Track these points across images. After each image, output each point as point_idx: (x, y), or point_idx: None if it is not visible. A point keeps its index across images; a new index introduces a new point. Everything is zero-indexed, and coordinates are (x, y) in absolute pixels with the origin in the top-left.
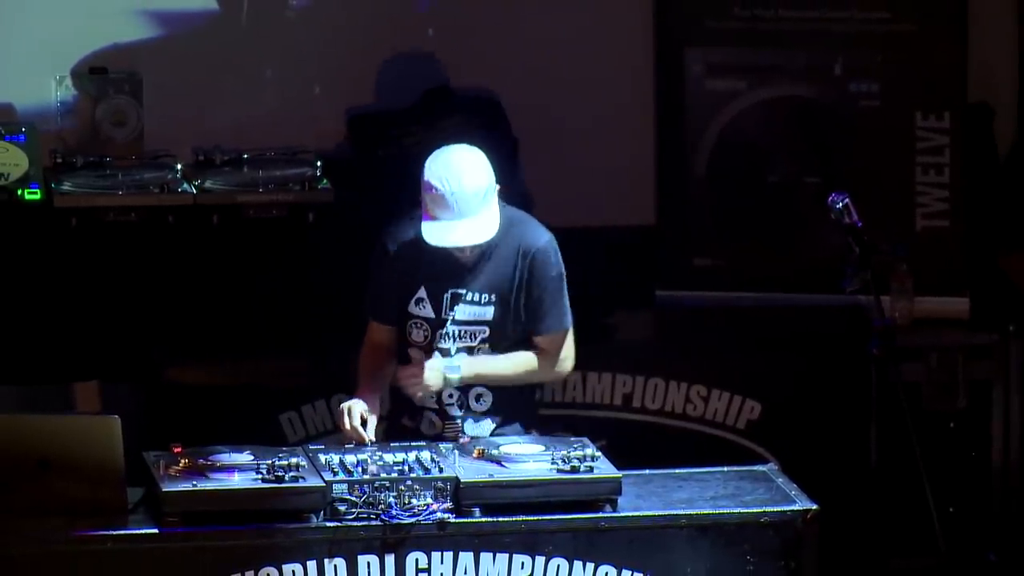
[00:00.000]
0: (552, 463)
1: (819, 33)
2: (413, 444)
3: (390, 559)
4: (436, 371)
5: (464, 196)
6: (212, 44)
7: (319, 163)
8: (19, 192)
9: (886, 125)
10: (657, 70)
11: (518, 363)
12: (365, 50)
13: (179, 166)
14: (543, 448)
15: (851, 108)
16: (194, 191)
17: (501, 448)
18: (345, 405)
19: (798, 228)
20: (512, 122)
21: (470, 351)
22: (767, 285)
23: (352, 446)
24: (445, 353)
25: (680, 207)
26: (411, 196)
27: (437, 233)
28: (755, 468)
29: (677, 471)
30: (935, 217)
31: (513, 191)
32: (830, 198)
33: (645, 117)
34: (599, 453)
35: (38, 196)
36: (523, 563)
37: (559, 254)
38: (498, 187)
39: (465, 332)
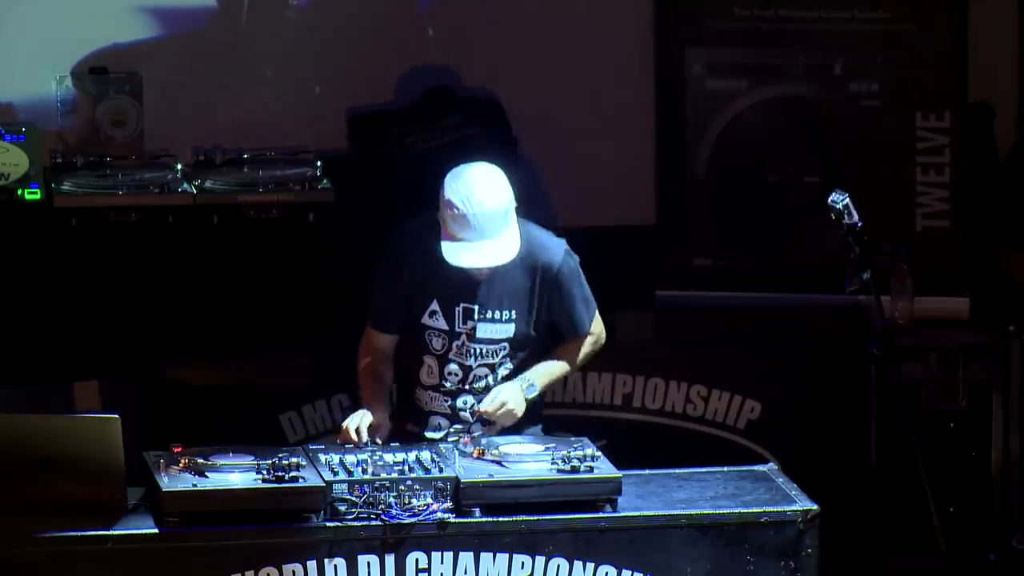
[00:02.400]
0: (552, 463)
1: (819, 33)
2: (413, 444)
3: (390, 559)
4: (519, 396)
5: (486, 217)
6: (212, 44)
7: (319, 163)
8: (19, 192)
9: (886, 125)
10: (657, 70)
11: (572, 358)
12: (365, 50)
13: (179, 166)
14: (543, 448)
15: (851, 108)
16: (194, 191)
17: (501, 448)
18: (351, 423)
19: (798, 228)
20: (512, 122)
21: (491, 368)
22: (767, 285)
23: (351, 446)
24: (467, 370)
25: (680, 207)
26: (411, 196)
27: (459, 254)
28: (755, 468)
29: (677, 471)
30: (935, 217)
31: (514, 191)
32: (830, 198)
33: (645, 117)
34: (599, 453)
35: (38, 196)
36: (523, 563)
37: (573, 254)
38: (516, 205)
39: (487, 351)
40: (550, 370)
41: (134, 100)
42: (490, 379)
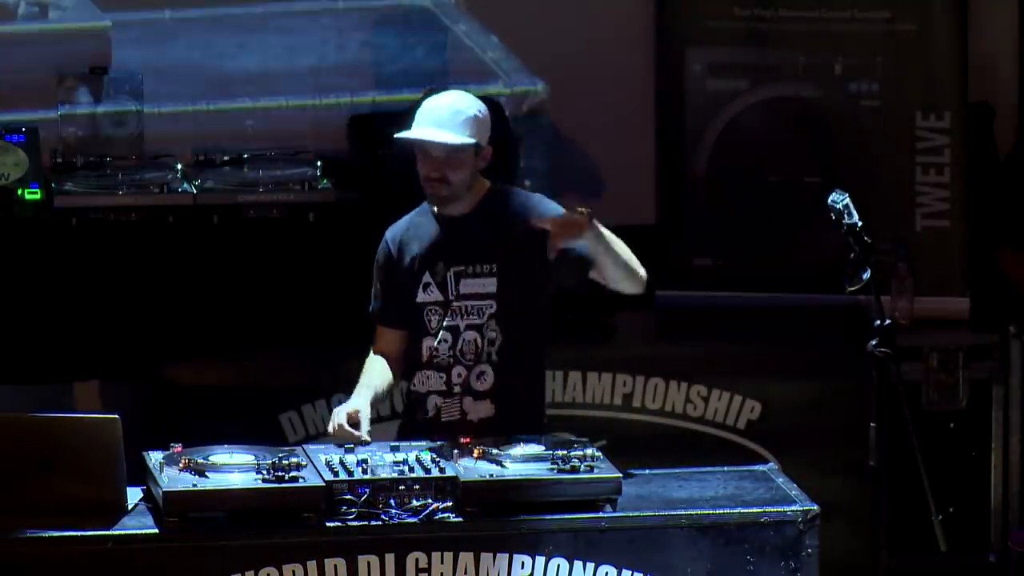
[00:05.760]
0: (552, 463)
1: (819, 33)
2: (413, 444)
3: (390, 559)
4: (578, 217)
5: (443, 109)
6: (212, 44)
7: (319, 163)
8: (19, 192)
9: (886, 125)
10: (657, 70)
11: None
12: (365, 50)
13: (179, 166)
14: (543, 448)
15: (851, 108)
16: (194, 191)
17: (501, 448)
18: (332, 423)
19: (798, 228)
20: (512, 122)
21: (479, 331)
22: (767, 285)
23: (352, 445)
24: (454, 331)
25: (680, 207)
26: (411, 196)
27: (408, 132)
28: (755, 468)
29: (677, 471)
30: (935, 217)
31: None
32: (830, 198)
33: (645, 117)
34: (599, 453)
35: (38, 196)
36: (523, 563)
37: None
38: (489, 147)
39: (472, 308)
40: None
41: (134, 100)
42: (478, 342)
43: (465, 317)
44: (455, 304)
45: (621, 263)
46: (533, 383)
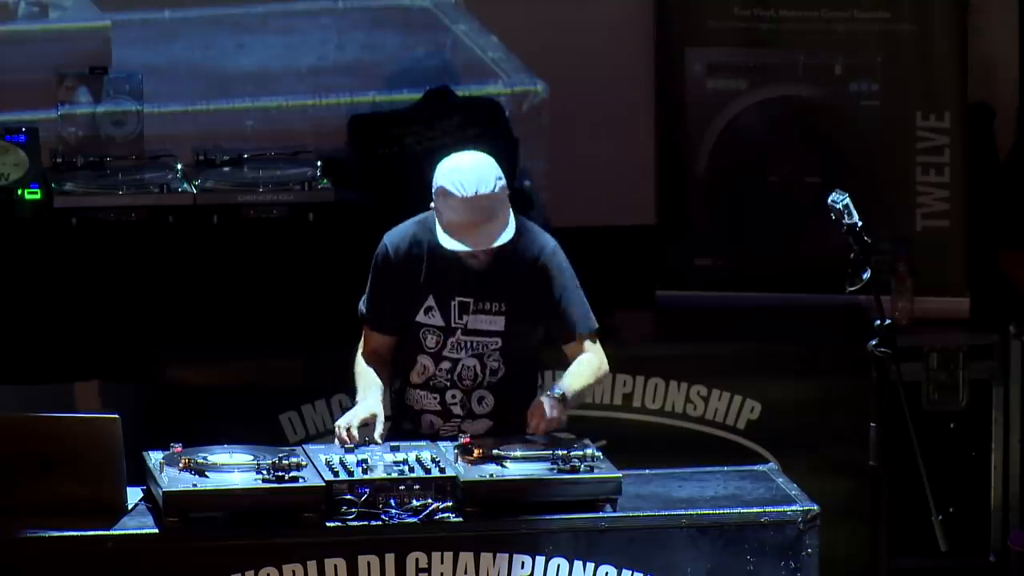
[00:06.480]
0: (552, 463)
1: (819, 33)
2: (413, 444)
3: (390, 559)
4: (557, 406)
5: (482, 199)
6: (212, 44)
7: (319, 163)
8: (19, 192)
9: (886, 125)
10: (657, 70)
11: (594, 370)
12: (365, 49)
13: (179, 166)
14: (543, 448)
15: (851, 108)
16: (194, 191)
17: (501, 448)
18: (342, 425)
19: (798, 228)
20: (512, 122)
21: (480, 358)
22: (767, 285)
23: (352, 446)
24: (456, 363)
25: (680, 207)
26: (411, 196)
27: (456, 239)
28: (755, 468)
29: (677, 471)
30: (935, 217)
31: (513, 191)
32: (830, 198)
33: (645, 117)
34: (599, 453)
35: (38, 196)
36: (523, 563)
37: (563, 253)
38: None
39: (477, 343)
40: (579, 372)
41: (134, 100)
42: (478, 370)
43: (470, 350)
44: (461, 337)
45: (592, 387)
46: (529, 396)
